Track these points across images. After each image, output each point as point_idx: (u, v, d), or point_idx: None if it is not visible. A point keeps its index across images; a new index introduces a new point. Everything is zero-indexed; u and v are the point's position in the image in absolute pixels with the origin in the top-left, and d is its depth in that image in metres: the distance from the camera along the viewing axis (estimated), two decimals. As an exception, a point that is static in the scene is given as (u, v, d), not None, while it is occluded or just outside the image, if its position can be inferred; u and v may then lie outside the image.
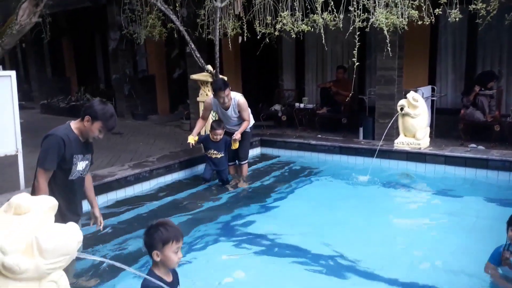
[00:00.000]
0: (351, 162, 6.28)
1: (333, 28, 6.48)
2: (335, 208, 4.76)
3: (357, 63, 6.17)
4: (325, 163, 6.34)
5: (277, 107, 9.52)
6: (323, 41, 6.50)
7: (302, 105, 9.00)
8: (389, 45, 6.44)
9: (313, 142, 6.62)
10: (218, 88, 5.21)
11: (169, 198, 5.11)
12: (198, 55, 7.27)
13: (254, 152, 7.05)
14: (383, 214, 4.65)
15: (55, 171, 2.97)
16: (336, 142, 6.54)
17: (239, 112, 5.42)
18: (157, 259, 2.29)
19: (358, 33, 6.25)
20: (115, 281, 3.27)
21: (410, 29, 6.22)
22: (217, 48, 7.06)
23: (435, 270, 3.43)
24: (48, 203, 1.88)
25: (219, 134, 5.35)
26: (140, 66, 11.91)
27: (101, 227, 3.42)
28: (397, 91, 7.14)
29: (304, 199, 5.18)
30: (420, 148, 5.91)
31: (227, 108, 5.39)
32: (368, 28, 6.29)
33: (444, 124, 7.91)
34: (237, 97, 5.44)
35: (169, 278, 2.36)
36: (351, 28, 6.27)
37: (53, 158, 2.92)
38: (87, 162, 3.17)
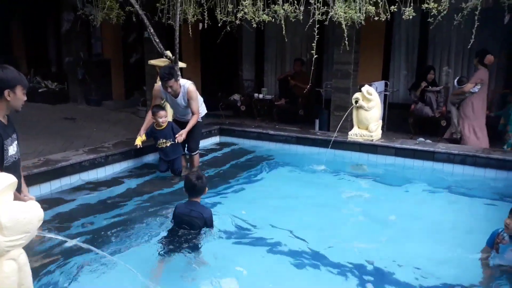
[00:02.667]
0: (307, 152, 6.44)
1: (293, 20, 6.58)
2: (291, 195, 4.89)
3: (316, 56, 6.32)
4: (282, 153, 6.46)
5: (236, 96, 9.57)
6: (284, 32, 6.59)
7: (261, 96, 9.09)
8: (346, 39, 6.64)
9: (272, 132, 6.72)
10: (162, 77, 4.96)
11: (124, 185, 5.02)
12: (157, 40, 7.15)
13: (213, 140, 7.07)
14: (336, 201, 4.86)
15: None
16: (293, 132, 6.68)
17: (188, 100, 5.15)
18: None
19: (318, 26, 6.40)
20: (75, 259, 3.21)
21: (366, 24, 6.42)
22: (177, 34, 6.99)
23: (379, 251, 3.64)
24: (6, 181, 1.84)
25: (163, 116, 5.08)
26: (95, 49, 11.53)
27: None
28: (352, 85, 7.37)
29: (261, 187, 5.26)
30: (372, 140, 6.15)
31: (176, 96, 5.14)
32: (327, 22, 6.45)
33: (396, 118, 8.26)
34: (186, 85, 5.16)
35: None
36: (310, 21, 6.41)
37: None
38: (16, 142, 2.94)
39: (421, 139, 6.98)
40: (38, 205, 1.85)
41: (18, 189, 2.81)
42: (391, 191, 5.20)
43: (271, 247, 3.65)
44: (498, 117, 7.12)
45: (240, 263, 3.33)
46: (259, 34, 9.58)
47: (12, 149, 2.87)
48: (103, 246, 3.48)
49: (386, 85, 8.29)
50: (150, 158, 5.87)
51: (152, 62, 7.31)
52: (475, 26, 5.40)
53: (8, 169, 2.72)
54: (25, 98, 2.82)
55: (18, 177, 2.70)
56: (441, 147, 5.86)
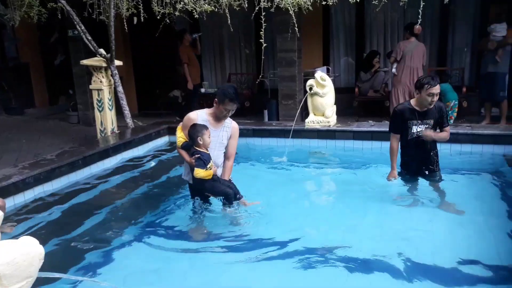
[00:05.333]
0: (266, 144, 6.26)
1: (237, 9, 6.34)
2: (256, 189, 4.63)
3: (265, 45, 6.15)
4: (239, 147, 6.18)
5: (176, 92, 9.12)
6: (229, 21, 6.32)
7: (203, 90, 8.74)
8: (291, 26, 6.55)
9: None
10: (231, 98, 3.58)
11: (77, 199, 4.50)
12: (90, 38, 6.57)
13: (162, 140, 6.63)
14: (301, 190, 4.74)
15: None
16: (248, 125, 6.44)
17: (230, 137, 3.88)
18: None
19: (256, 13, 6.22)
20: None
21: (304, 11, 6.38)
22: (112, 29, 6.44)
23: (347, 233, 3.62)
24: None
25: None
26: (9, 53, 10.37)
27: None
28: (298, 73, 7.32)
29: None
30: (329, 126, 6.12)
31: (218, 127, 3.79)
32: (273, 9, 6.29)
33: (340, 102, 8.34)
34: (232, 121, 3.94)
35: None
36: (257, 8, 6.21)
37: None
38: None
39: (371, 122, 7.11)
40: (34, 241, 1.47)
41: None
42: (353, 175, 5.19)
43: (241, 244, 3.45)
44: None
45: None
46: (195, 26, 9.19)
47: None
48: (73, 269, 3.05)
49: (328, 70, 8.35)
50: (99, 168, 5.33)
51: (85, 62, 6.70)
52: (421, 6, 5.51)
53: None
54: None
55: None
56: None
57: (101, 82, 6.60)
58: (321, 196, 4.77)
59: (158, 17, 6.51)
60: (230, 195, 3.76)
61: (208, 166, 3.58)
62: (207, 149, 3.63)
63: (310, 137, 6.15)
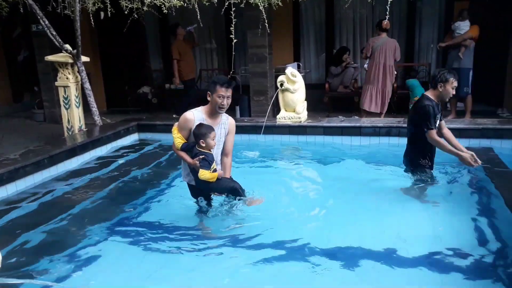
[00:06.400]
0: (237, 140, 6.14)
1: (207, 4, 6.27)
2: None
3: (235, 40, 6.12)
4: (211, 144, 6.17)
5: (145, 89, 8.97)
6: (198, 17, 6.25)
7: (173, 86, 8.62)
8: (261, 22, 6.53)
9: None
10: (222, 82, 3.52)
11: (42, 200, 4.36)
12: (54, 33, 6.37)
13: (131, 138, 6.52)
14: (273, 185, 4.71)
15: None
16: (219, 121, 6.39)
17: (228, 134, 3.76)
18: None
19: (227, 8, 6.18)
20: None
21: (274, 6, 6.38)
22: (78, 24, 6.27)
23: (324, 222, 3.68)
24: None
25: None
26: (-33, 49, 9.96)
27: None
28: (269, 69, 7.32)
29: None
30: (300, 122, 6.16)
31: (216, 124, 3.63)
32: (243, 4, 6.26)
33: (311, 98, 8.41)
34: (229, 117, 3.82)
35: None
36: (226, 4, 6.17)
37: None
38: None
39: (341, 117, 7.19)
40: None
41: None
42: (324, 169, 5.24)
43: (222, 245, 3.41)
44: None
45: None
46: (163, 21, 9.06)
47: None
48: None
49: (298, 66, 8.39)
50: (66, 168, 5.19)
51: (50, 58, 6.50)
52: (389, 3, 5.59)
53: None
54: None
55: None
56: (366, 122, 6.07)
57: (67, 78, 6.42)
58: (294, 191, 4.77)
59: (126, 12, 6.37)
60: (237, 189, 3.65)
61: (212, 166, 3.50)
62: (210, 150, 3.54)
63: (282, 133, 6.17)
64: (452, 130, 5.53)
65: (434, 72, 4.23)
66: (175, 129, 3.60)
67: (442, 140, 4.16)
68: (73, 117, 6.40)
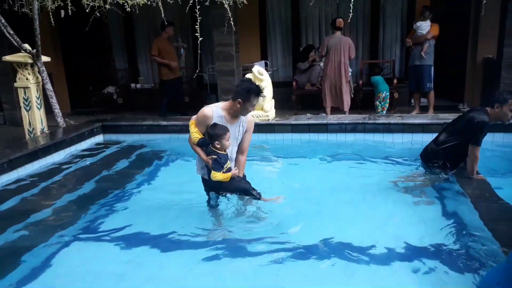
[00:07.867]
0: (205, 139, 6.17)
1: (171, 1, 6.18)
2: (198, 186, 4.59)
3: (201, 38, 6.06)
4: (179, 144, 6.06)
5: (110, 89, 8.77)
6: (162, 15, 6.16)
7: (138, 86, 8.48)
8: (227, 20, 6.50)
9: (165, 123, 6.26)
10: (255, 92, 3.44)
11: (2, 206, 4.18)
12: (12, 32, 6.14)
13: (95, 139, 6.35)
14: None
15: None
16: (188, 121, 6.30)
17: (246, 131, 3.67)
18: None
19: (192, 6, 6.12)
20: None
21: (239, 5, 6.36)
22: (37, 23, 6.06)
23: (300, 214, 3.75)
24: None
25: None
26: None
27: None
28: (236, 67, 7.30)
29: (162, 183, 4.87)
30: (268, 120, 6.17)
31: (234, 122, 3.55)
32: (208, 2, 6.20)
33: (278, 96, 8.44)
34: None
35: None
36: (191, 2, 6.10)
37: None
38: None
39: (308, 114, 7.24)
40: None
41: None
42: (294, 166, 5.28)
43: (197, 246, 3.36)
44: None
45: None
46: (127, 20, 8.88)
47: None
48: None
49: (266, 64, 8.41)
50: (27, 171, 5.01)
51: (8, 58, 6.26)
52: (352, 1, 5.66)
53: None
54: None
55: None
56: (332, 119, 6.14)
57: (27, 79, 6.21)
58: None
59: (88, 11, 6.21)
60: (249, 190, 3.60)
61: (225, 166, 3.44)
62: (225, 150, 3.47)
63: (250, 132, 6.15)
64: (416, 125, 5.73)
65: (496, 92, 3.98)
66: (192, 123, 3.52)
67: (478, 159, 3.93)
68: (35, 119, 6.19)
